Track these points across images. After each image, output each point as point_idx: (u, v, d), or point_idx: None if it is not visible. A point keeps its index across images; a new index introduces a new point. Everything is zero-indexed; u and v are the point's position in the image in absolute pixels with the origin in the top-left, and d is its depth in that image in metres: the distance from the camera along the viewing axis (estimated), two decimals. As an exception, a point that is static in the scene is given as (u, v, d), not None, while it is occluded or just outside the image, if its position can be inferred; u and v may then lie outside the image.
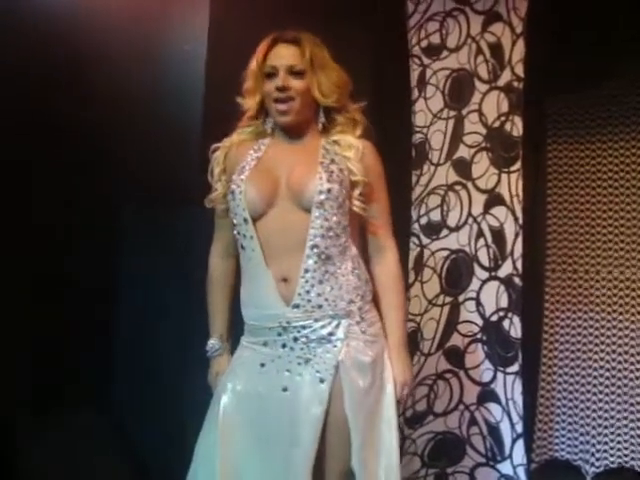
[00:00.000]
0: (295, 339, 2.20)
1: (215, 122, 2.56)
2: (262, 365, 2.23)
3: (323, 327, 2.19)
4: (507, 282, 3.69)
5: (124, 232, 3.48)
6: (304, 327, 2.19)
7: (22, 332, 3.14)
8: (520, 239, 3.66)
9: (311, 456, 2.14)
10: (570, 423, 4.41)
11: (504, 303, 3.70)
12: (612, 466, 4.26)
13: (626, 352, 4.30)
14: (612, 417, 4.36)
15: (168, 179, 3.22)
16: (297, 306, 2.19)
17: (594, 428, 4.31)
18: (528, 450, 3.81)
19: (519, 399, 3.67)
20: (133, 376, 3.46)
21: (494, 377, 3.72)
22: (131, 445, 3.44)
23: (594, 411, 4.38)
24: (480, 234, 3.77)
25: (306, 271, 2.18)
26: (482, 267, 3.76)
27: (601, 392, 4.37)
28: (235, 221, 2.25)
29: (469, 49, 3.87)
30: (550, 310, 4.49)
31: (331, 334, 2.19)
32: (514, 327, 3.67)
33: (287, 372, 2.20)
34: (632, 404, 4.24)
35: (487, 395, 3.73)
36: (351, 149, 2.27)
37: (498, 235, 3.73)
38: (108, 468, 3.33)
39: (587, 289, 4.42)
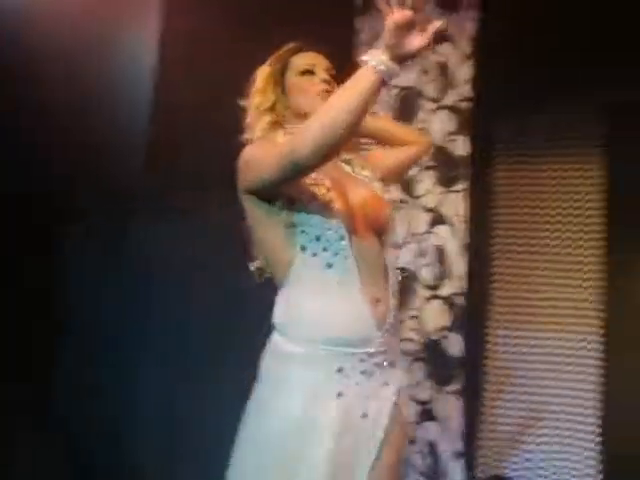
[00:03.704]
0: None
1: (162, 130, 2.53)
2: None
3: None
4: (449, 301, 3.71)
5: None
6: None
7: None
8: (463, 258, 3.69)
9: None
10: (513, 441, 4.45)
11: (446, 322, 3.71)
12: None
13: (569, 371, 4.38)
14: (556, 435, 4.43)
15: (115, 183, 3.17)
16: None
17: (537, 445, 4.36)
18: (468, 469, 3.82)
19: (459, 418, 3.68)
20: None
21: (434, 396, 3.72)
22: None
23: (538, 428, 4.44)
24: (423, 253, 3.79)
25: None
26: (424, 286, 3.77)
27: (545, 410, 4.43)
28: None
29: (417, 68, 3.89)
30: (494, 328, 4.53)
31: None
32: (455, 346, 3.69)
33: None
34: (576, 422, 4.30)
35: (427, 413, 3.73)
36: None
37: (441, 254, 3.75)
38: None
39: (531, 307, 4.49)
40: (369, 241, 2.04)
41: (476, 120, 3.78)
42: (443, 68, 3.88)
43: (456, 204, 3.73)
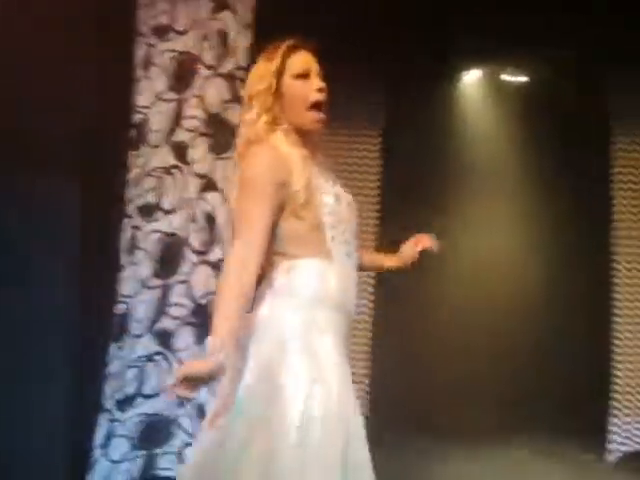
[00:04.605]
0: None
1: None
2: None
3: None
4: (217, 266, 3.76)
5: None
6: None
7: None
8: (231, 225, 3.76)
9: None
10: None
11: (213, 287, 3.77)
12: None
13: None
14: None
15: None
16: None
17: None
18: None
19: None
20: None
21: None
22: None
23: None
24: (193, 218, 3.81)
25: None
26: (194, 251, 3.80)
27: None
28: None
29: (196, 34, 3.88)
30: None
31: None
32: (223, 310, 3.76)
33: None
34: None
35: (195, 376, 3.77)
36: None
37: (211, 220, 3.79)
38: None
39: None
40: None
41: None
42: (222, 36, 3.90)
43: (228, 171, 3.78)
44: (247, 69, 3.90)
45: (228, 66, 3.88)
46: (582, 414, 5.27)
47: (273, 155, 2.04)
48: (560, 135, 5.65)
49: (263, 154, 2.03)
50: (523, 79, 5.73)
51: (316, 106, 2.14)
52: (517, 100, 5.70)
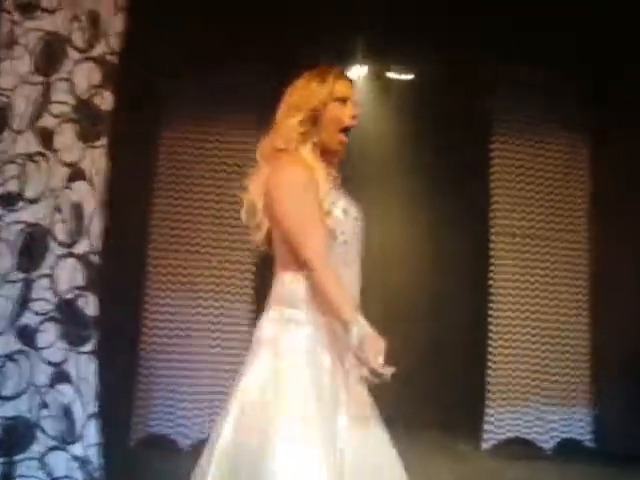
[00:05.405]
0: None
1: None
2: None
3: None
4: (84, 259, 3.60)
5: None
6: None
7: None
8: (99, 216, 3.60)
9: None
10: (168, 399, 4.53)
11: (80, 281, 3.60)
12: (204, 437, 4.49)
13: (227, 331, 4.56)
14: (204, 392, 4.57)
15: None
16: None
17: (190, 403, 4.50)
18: (126, 430, 3.79)
19: (92, 378, 3.62)
20: None
21: (67, 357, 3.61)
22: None
23: (190, 386, 4.56)
24: (58, 208, 3.62)
25: None
26: (59, 243, 3.61)
27: (197, 369, 4.58)
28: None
29: (66, 13, 3.70)
30: (152, 289, 4.56)
31: None
32: (90, 306, 3.60)
33: None
34: (223, 378, 4.47)
35: (59, 376, 3.60)
36: None
37: (77, 211, 3.62)
38: None
39: (188, 269, 4.59)
40: None
41: (121, 75, 3.69)
42: (94, 17, 3.73)
43: (96, 160, 3.62)
44: (120, 54, 3.77)
45: (99, 50, 3.69)
46: (459, 407, 5.37)
47: (305, 163, 2.27)
48: (443, 131, 5.74)
49: (298, 162, 2.26)
50: (408, 77, 5.80)
51: (346, 130, 2.36)
52: (402, 97, 5.77)
